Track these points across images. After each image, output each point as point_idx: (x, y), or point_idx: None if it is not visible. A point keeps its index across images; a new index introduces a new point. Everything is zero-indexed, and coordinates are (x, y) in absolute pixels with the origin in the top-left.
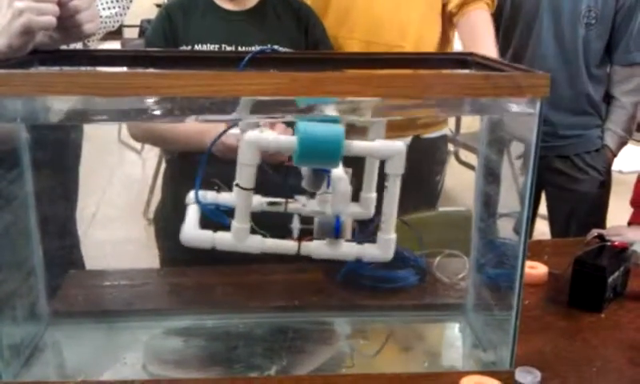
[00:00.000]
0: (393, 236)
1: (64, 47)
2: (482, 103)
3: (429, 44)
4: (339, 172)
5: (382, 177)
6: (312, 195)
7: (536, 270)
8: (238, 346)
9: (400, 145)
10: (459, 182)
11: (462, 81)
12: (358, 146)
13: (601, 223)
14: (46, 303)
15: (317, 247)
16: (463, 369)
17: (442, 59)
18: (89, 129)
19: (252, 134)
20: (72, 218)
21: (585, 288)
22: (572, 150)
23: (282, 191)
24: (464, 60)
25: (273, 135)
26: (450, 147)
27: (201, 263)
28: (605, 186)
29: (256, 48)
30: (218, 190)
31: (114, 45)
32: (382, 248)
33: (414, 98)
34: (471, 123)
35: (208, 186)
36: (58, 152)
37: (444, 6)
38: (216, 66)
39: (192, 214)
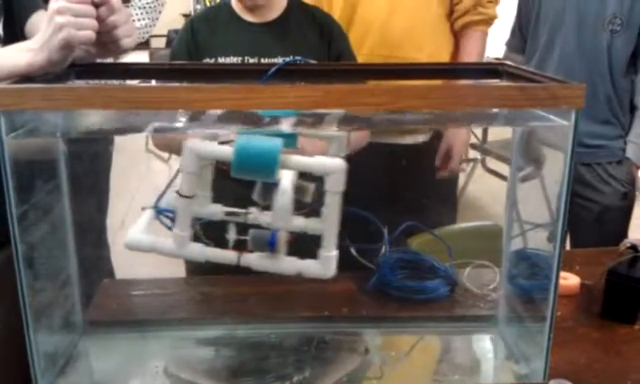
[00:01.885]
0: (334, 253)
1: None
2: (515, 114)
3: (444, 58)
4: (285, 185)
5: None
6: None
7: (568, 280)
8: (269, 356)
9: (339, 162)
10: (487, 190)
11: (497, 92)
12: (296, 160)
13: (623, 233)
14: (81, 312)
15: (256, 260)
16: (496, 381)
17: (473, 69)
18: (117, 139)
19: (191, 142)
20: (103, 227)
21: (618, 299)
22: (593, 158)
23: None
24: (495, 70)
25: (212, 145)
26: (477, 155)
27: (226, 272)
28: (628, 198)
29: (279, 60)
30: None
31: (142, 55)
32: (324, 265)
33: (448, 110)
34: (498, 131)
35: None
36: (91, 163)
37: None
38: (240, 79)
39: (143, 218)
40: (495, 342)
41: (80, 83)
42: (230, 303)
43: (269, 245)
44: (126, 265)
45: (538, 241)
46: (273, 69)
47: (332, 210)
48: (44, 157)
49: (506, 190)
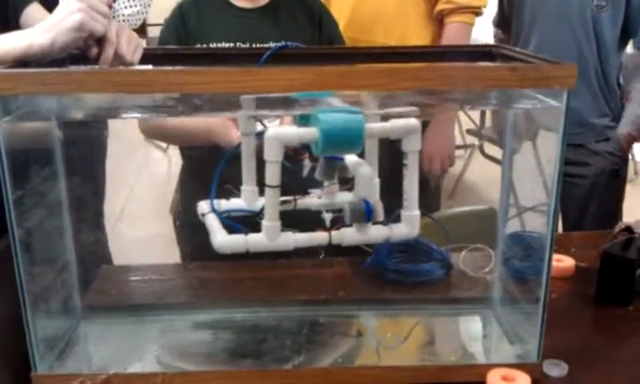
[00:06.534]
0: (417, 212)
1: None
2: (508, 95)
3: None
4: (354, 158)
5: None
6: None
7: (563, 262)
8: (266, 339)
9: (414, 122)
10: (485, 175)
11: (490, 73)
12: (376, 128)
13: (616, 214)
14: (79, 298)
15: (347, 234)
16: (490, 362)
17: (467, 52)
18: (114, 127)
19: (274, 130)
20: (100, 214)
21: (613, 281)
22: (579, 139)
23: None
24: (489, 52)
25: (294, 129)
26: (475, 141)
27: (222, 259)
28: (619, 177)
29: (271, 45)
30: (228, 197)
31: None
32: (409, 225)
33: (441, 90)
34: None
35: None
36: (86, 149)
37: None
38: (232, 63)
39: (213, 222)
40: (490, 323)
41: (74, 68)
42: (226, 288)
43: (366, 215)
44: (123, 252)
45: (533, 223)
46: (268, 53)
47: (412, 170)
48: (39, 142)
49: (501, 172)
